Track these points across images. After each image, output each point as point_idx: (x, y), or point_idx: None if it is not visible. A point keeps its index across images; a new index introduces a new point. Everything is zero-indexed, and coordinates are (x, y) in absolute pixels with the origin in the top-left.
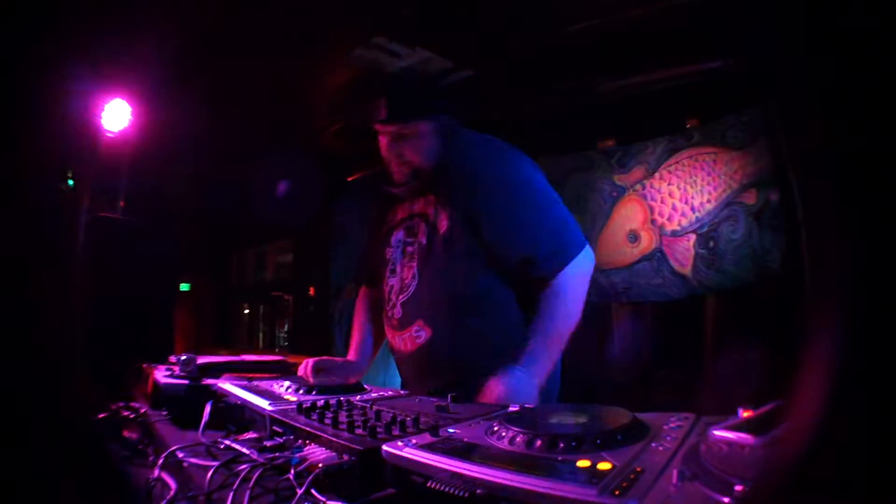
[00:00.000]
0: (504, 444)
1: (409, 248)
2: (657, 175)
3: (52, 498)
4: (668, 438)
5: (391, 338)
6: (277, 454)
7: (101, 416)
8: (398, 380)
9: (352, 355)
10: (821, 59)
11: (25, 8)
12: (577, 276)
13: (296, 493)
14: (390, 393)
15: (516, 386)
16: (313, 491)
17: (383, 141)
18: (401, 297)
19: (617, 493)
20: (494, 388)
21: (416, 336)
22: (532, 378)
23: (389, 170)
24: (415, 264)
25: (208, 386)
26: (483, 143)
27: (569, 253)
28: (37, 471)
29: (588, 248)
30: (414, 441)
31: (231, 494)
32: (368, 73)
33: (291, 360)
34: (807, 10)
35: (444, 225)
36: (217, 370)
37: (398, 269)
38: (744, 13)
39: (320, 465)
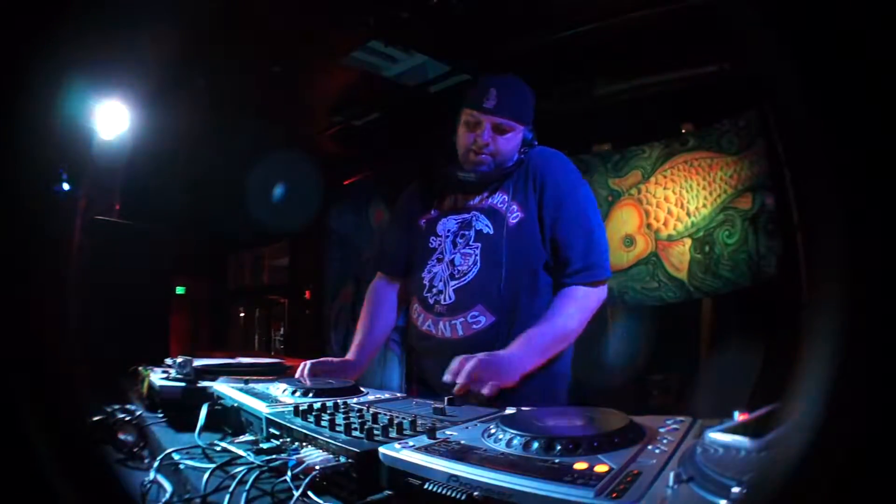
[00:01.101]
0: (501, 447)
1: (461, 240)
2: (653, 179)
3: (48, 500)
4: (665, 441)
5: (429, 326)
6: (274, 456)
7: (97, 418)
8: (395, 381)
9: (352, 353)
10: (819, 61)
11: (21, 12)
12: (592, 296)
13: (293, 495)
14: (387, 395)
15: (497, 363)
16: (310, 493)
17: (467, 128)
18: (452, 283)
19: (614, 495)
20: (470, 361)
21: (472, 321)
22: (519, 362)
23: (465, 156)
24: (474, 252)
25: (204, 388)
26: (560, 158)
27: (601, 272)
28: (33, 473)
29: (607, 285)
30: (411, 443)
31: (227, 497)
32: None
33: (287, 362)
34: (805, 12)
35: (515, 218)
36: (213, 373)
37: (446, 258)
38: (741, 16)
39: (317, 467)
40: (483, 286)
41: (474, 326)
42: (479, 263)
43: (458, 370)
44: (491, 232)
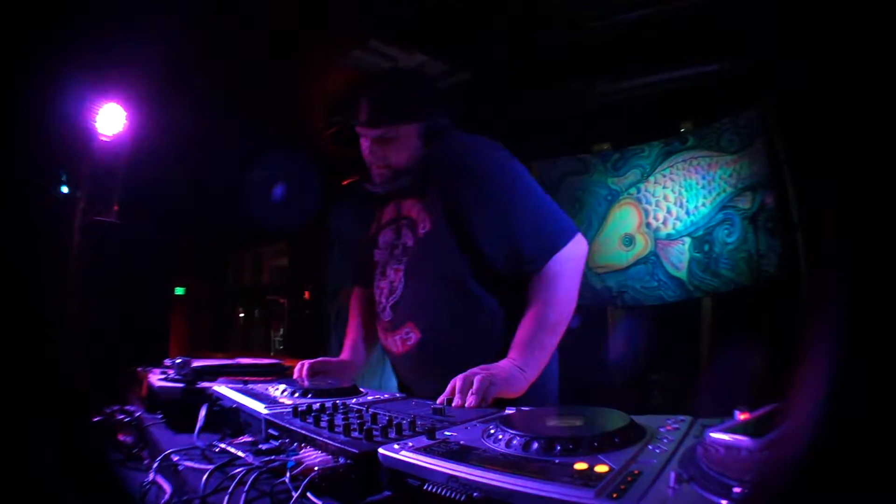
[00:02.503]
0: (501, 447)
1: (396, 251)
2: (652, 178)
3: (49, 500)
4: (665, 441)
5: (383, 339)
6: (273, 457)
7: (97, 419)
8: (394, 383)
9: (346, 354)
10: (819, 60)
11: (21, 12)
12: (568, 261)
13: (291, 496)
14: (386, 396)
15: (501, 377)
16: (309, 494)
17: (364, 143)
18: (390, 299)
19: (614, 495)
20: (474, 377)
21: (406, 338)
22: (521, 371)
23: (370, 171)
24: (402, 266)
25: (203, 389)
26: (465, 140)
27: (558, 242)
28: (34, 473)
29: (579, 236)
30: (410, 444)
31: (226, 498)
32: (356, 75)
33: (287, 363)
34: (805, 11)
35: (426, 227)
36: (212, 373)
37: (387, 272)
38: (742, 16)
39: (316, 468)
40: (409, 303)
41: (408, 343)
42: (403, 279)
43: (462, 390)
44: (410, 245)
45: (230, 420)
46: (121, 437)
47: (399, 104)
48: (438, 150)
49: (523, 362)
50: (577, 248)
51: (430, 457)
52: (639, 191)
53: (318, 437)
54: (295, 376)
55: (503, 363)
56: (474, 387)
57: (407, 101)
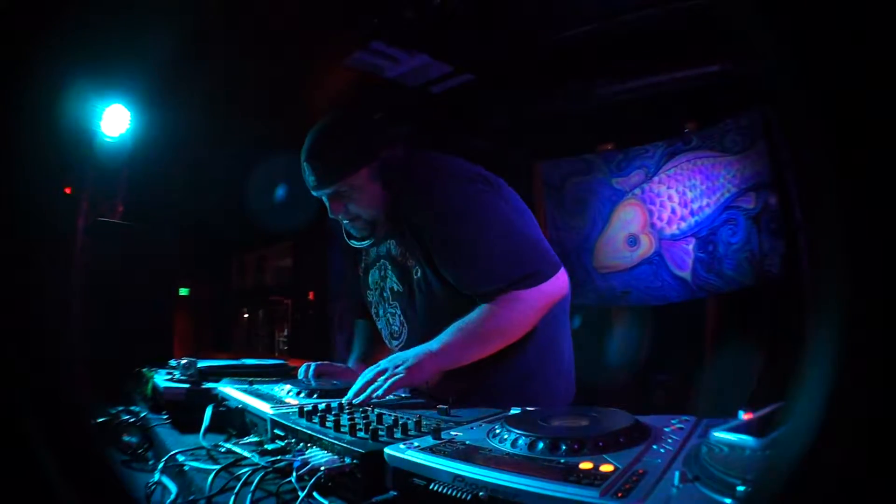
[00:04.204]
0: (506, 447)
1: (385, 293)
2: (656, 179)
3: (51, 501)
4: (670, 441)
5: None
6: (279, 457)
7: (102, 420)
8: None
9: (353, 365)
10: (821, 60)
11: (24, 13)
12: (531, 301)
13: (298, 496)
14: (391, 396)
15: (408, 366)
16: (315, 494)
17: (327, 205)
18: (395, 343)
19: (619, 494)
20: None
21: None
22: (434, 357)
23: (346, 228)
24: (397, 312)
25: (209, 390)
26: (428, 175)
27: (530, 283)
28: (37, 475)
29: (560, 273)
30: (416, 444)
31: (232, 498)
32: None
33: (291, 363)
34: (806, 12)
35: (417, 271)
36: (217, 374)
37: (381, 313)
38: (743, 16)
39: (322, 468)
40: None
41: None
42: (406, 325)
43: (362, 391)
44: (402, 290)
45: (236, 420)
46: (126, 438)
47: (346, 151)
48: (403, 188)
49: (441, 350)
50: (549, 287)
51: (436, 456)
52: (643, 191)
53: (323, 437)
54: (300, 377)
55: (423, 352)
56: (379, 388)
57: (343, 151)
